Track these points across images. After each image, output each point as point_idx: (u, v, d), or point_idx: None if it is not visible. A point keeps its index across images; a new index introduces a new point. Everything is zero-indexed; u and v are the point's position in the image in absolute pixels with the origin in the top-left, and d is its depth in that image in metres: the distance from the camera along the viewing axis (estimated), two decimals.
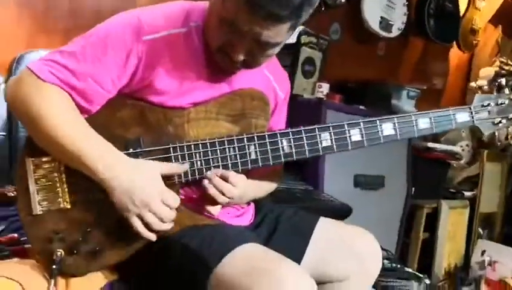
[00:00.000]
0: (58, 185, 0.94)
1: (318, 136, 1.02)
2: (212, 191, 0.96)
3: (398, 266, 1.93)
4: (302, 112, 1.63)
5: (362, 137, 1.04)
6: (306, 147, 1.01)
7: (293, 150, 1.01)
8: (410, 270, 1.97)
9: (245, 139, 0.99)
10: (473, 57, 3.51)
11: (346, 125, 1.03)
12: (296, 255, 1.04)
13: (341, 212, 1.75)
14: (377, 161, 2.25)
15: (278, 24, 0.87)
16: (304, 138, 1.01)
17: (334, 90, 2.29)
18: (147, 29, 0.93)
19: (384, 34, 2.61)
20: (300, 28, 2.16)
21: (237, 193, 0.98)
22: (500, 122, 1.13)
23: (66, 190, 0.94)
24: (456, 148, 2.81)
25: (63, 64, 0.90)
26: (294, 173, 2.00)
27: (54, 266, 0.89)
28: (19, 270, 0.93)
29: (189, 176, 0.98)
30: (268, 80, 1.13)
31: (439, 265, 2.55)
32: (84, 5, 1.57)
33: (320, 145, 1.02)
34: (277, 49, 0.96)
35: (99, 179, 0.89)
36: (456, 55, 3.41)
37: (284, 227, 1.11)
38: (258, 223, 1.13)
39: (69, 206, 0.94)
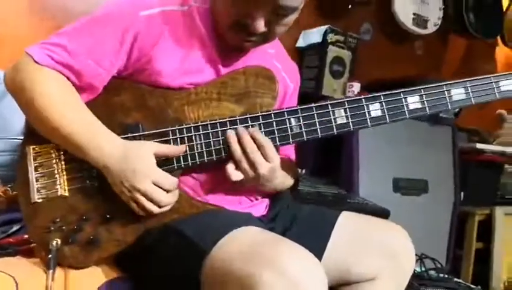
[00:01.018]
0: (56, 172, 0.91)
1: (331, 113, 0.92)
2: (237, 155, 0.86)
3: (446, 276, 1.74)
4: None
5: (383, 112, 0.93)
6: (318, 125, 0.91)
7: (303, 130, 0.91)
8: (461, 281, 1.76)
9: (249, 119, 0.91)
10: None
11: (364, 100, 0.93)
12: (316, 252, 0.93)
13: (377, 216, 1.60)
14: (418, 163, 2.10)
15: None
16: (315, 115, 0.91)
17: (367, 90, 2.17)
18: (142, 4, 0.91)
19: (419, 31, 2.47)
20: (325, 26, 2.09)
21: (267, 170, 0.87)
22: None
23: (65, 177, 0.91)
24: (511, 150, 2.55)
25: (59, 44, 0.88)
26: (326, 177, 1.89)
27: (49, 256, 0.85)
28: (17, 266, 0.89)
29: (189, 160, 0.91)
30: (278, 69, 1.07)
31: (498, 278, 2.30)
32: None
33: (334, 123, 0.92)
34: (292, 17, 0.90)
35: (94, 164, 0.86)
36: (503, 53, 3.18)
37: (301, 223, 1.00)
38: (272, 218, 1.03)
39: (66, 194, 0.90)
